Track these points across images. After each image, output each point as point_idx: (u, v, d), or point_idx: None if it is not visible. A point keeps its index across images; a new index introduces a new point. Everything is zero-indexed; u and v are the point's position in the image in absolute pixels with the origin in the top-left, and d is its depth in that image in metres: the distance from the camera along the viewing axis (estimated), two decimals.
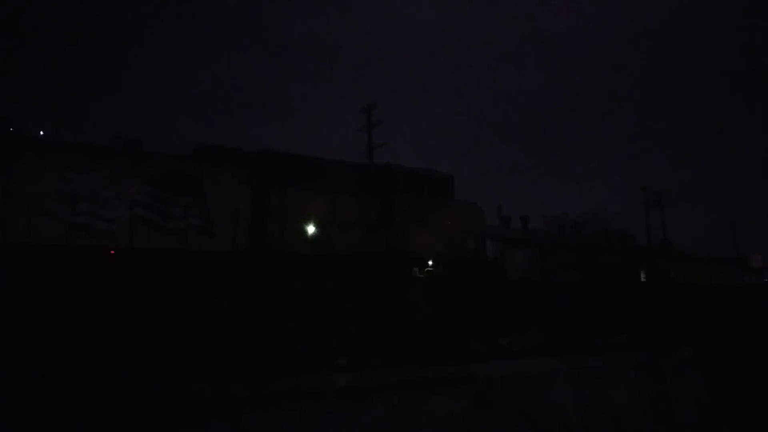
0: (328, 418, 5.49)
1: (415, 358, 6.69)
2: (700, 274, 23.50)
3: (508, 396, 6.73)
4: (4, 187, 12.76)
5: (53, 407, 4.14)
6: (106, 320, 5.60)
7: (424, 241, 17.16)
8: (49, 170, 13.62)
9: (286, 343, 6.23)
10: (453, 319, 7.93)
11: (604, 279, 18.45)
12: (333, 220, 16.55)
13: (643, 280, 23.12)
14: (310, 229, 16.42)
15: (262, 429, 5.08)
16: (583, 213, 22.49)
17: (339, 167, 17.55)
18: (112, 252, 14.00)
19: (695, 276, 22.57)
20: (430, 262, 17.20)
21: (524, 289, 11.51)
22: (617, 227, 23.28)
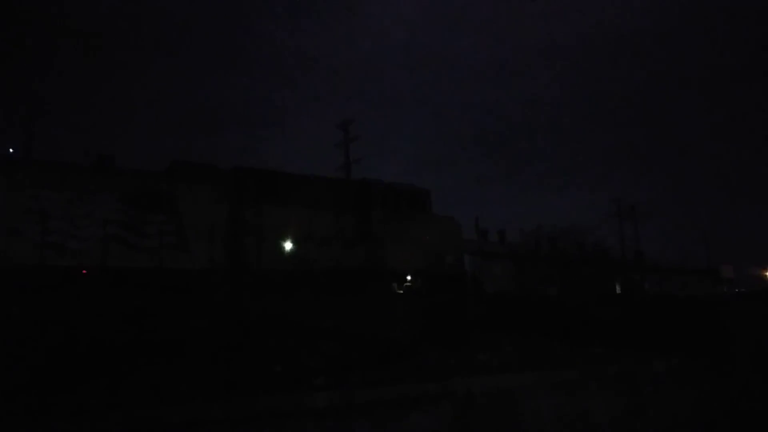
0: None
1: (394, 375, 6.65)
2: (673, 285, 23.87)
3: (487, 411, 6.72)
4: None
5: None
6: (77, 342, 5.46)
7: (402, 256, 17.15)
8: (18, 189, 13.34)
9: (264, 363, 6.15)
10: (432, 334, 7.92)
11: (580, 292, 18.62)
12: (310, 236, 16.46)
13: (618, 291, 23.43)
14: (287, 245, 16.31)
15: None
16: (559, 226, 22.77)
17: (316, 183, 17.51)
18: (84, 271, 13.72)
19: (669, 287, 22.92)
20: (409, 278, 17.18)
21: (502, 304, 11.56)
22: (592, 240, 23.64)
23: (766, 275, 30.63)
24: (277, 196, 16.47)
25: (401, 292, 17.11)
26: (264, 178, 16.55)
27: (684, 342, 9.25)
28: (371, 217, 17.22)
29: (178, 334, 6.14)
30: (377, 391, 6.06)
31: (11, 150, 14.06)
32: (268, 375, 5.81)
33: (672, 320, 10.82)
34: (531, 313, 10.14)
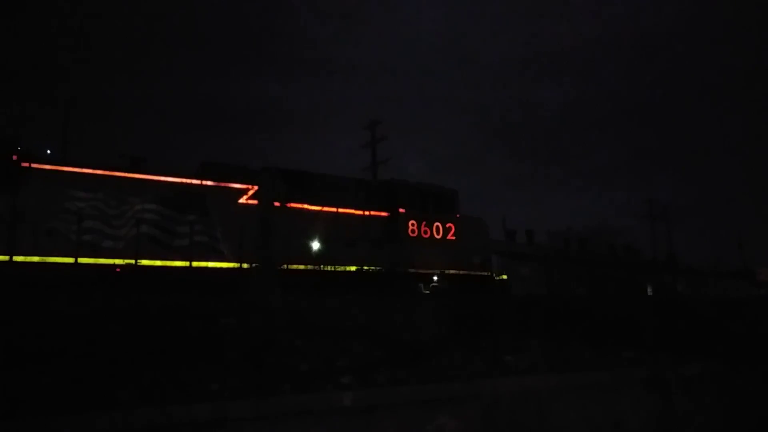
0: None
1: (421, 375, 6.65)
2: (707, 288, 23.34)
3: (514, 413, 6.67)
4: (10, 207, 12.89)
5: (60, 426, 4.14)
6: (109, 339, 5.60)
7: (429, 257, 17.18)
8: (55, 189, 13.76)
9: (291, 362, 6.20)
10: (458, 335, 7.89)
11: (610, 293, 18.33)
12: (338, 237, 16.61)
13: (649, 293, 22.99)
14: (315, 245, 16.46)
15: None
16: (588, 227, 22.42)
17: (343, 183, 17.66)
18: (118, 270, 14.08)
19: (702, 289, 22.42)
20: (435, 278, 17.18)
21: (530, 305, 11.45)
22: (623, 241, 23.20)
23: None
24: (306, 196, 16.66)
25: (428, 292, 17.13)
26: (292, 178, 16.76)
27: (718, 346, 9.04)
28: (398, 217, 17.28)
29: (207, 333, 6.25)
30: (404, 390, 6.07)
31: (48, 151, 14.49)
32: (295, 374, 5.87)
33: (707, 323, 10.59)
34: (560, 315, 10.03)
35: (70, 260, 13.31)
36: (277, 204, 15.89)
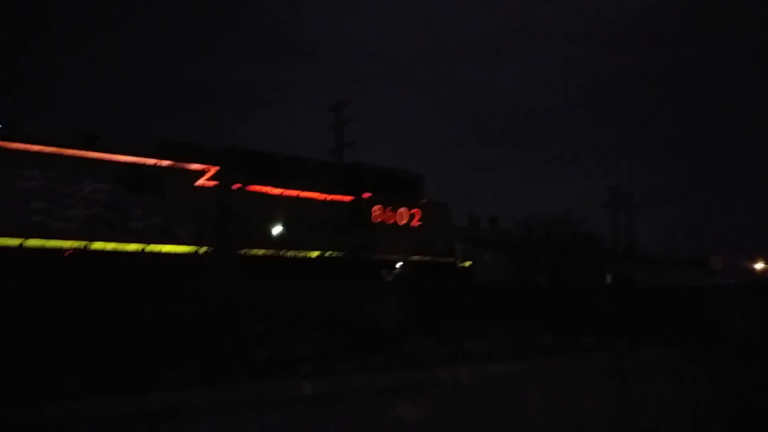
0: (293, 427, 5.32)
1: (383, 363, 6.55)
2: (664, 276, 24.01)
3: (476, 400, 6.66)
4: None
5: (10, 415, 3.89)
6: (58, 327, 5.30)
7: (393, 243, 17.07)
8: (3, 167, 13.06)
9: (250, 350, 6.02)
10: (421, 323, 7.82)
11: (571, 281, 18.65)
12: (300, 220, 16.32)
13: (608, 281, 23.52)
14: (276, 229, 16.15)
15: None
16: (552, 215, 22.74)
17: (307, 166, 17.33)
18: (68, 254, 13.51)
19: (659, 278, 23.05)
20: (399, 265, 17.11)
21: (492, 292, 11.49)
22: (585, 230, 23.63)
23: (754, 267, 30.90)
24: (268, 178, 16.28)
25: (391, 279, 17.04)
26: (254, 160, 16.34)
27: (674, 333, 9.24)
28: (363, 202, 17.09)
29: (160, 320, 5.99)
30: (365, 379, 5.97)
31: None
32: (254, 362, 5.69)
33: (663, 311, 10.82)
34: (521, 302, 10.08)
35: (16, 242, 12.68)
36: (236, 186, 15.49)
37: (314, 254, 16.18)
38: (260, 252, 15.37)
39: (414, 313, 8.26)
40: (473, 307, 9.27)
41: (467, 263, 19.42)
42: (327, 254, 16.28)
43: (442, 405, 6.48)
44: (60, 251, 13.12)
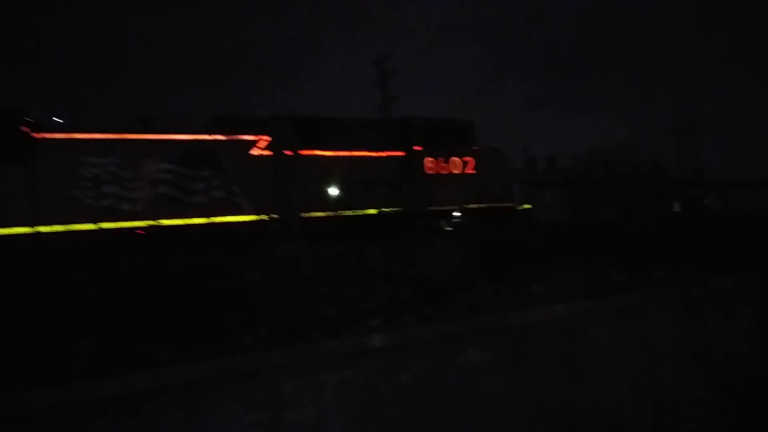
0: (367, 379, 5.51)
1: (450, 312, 6.64)
2: (737, 200, 22.83)
3: (546, 342, 6.67)
4: (28, 180, 12.95)
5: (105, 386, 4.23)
6: (138, 301, 5.64)
7: (449, 193, 16.97)
8: (69, 158, 13.74)
9: (319, 310, 6.22)
10: (484, 270, 7.83)
11: (636, 213, 18.08)
12: (354, 181, 16.44)
13: (677, 210, 22.65)
14: (332, 191, 16.35)
15: (300, 394, 5.13)
16: (612, 147, 21.87)
17: (356, 125, 17.32)
18: (140, 231, 14.21)
19: (735, 202, 21.95)
20: (457, 214, 17.05)
21: (555, 233, 11.32)
22: (648, 158, 22.66)
23: None
24: (318, 141, 16.41)
25: (450, 229, 17.03)
26: (304, 125, 16.47)
27: (750, 260, 8.88)
28: (414, 155, 16.99)
29: (233, 288, 6.26)
30: (432, 328, 6.08)
31: (57, 120, 14.38)
32: (325, 320, 5.88)
33: (737, 238, 10.38)
34: (585, 240, 9.89)
35: (93, 226, 13.43)
36: (288, 153, 15.70)
37: (371, 212, 16.33)
38: (318, 214, 15.65)
39: (476, 261, 8.28)
40: (538, 249, 9.18)
41: (527, 206, 19.11)
42: (384, 211, 16.40)
43: (511, 349, 6.53)
44: (132, 230, 13.83)
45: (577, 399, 6.39)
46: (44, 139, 13.59)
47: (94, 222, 13.34)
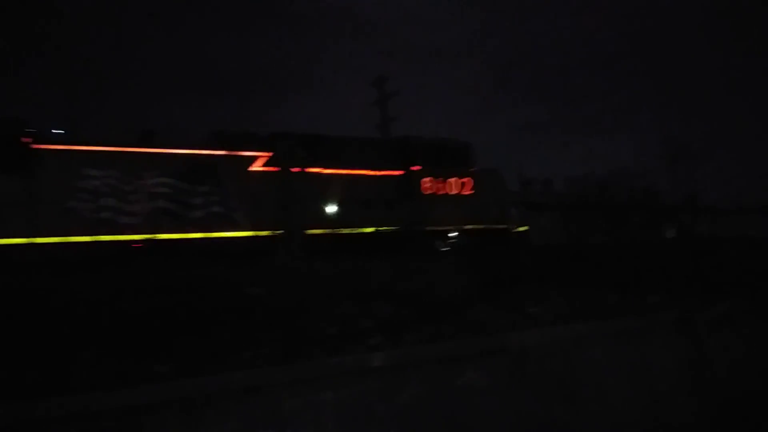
0: (366, 398, 5.52)
1: (448, 332, 6.67)
2: (730, 226, 23.03)
3: (542, 364, 6.70)
4: (27, 190, 12.98)
5: (105, 400, 4.22)
6: (139, 315, 5.66)
7: (446, 213, 17.10)
8: (68, 169, 13.80)
9: (319, 327, 6.24)
10: (480, 290, 7.88)
11: (630, 238, 18.20)
12: (352, 199, 16.56)
13: (670, 236, 22.80)
14: (330, 209, 16.44)
15: (302, 411, 5.14)
16: (607, 172, 22.12)
17: (356, 144, 17.49)
18: (137, 245, 14.22)
19: (724, 229, 22.15)
20: (453, 234, 17.14)
21: (550, 255, 11.41)
22: (642, 184, 22.90)
23: None
24: (319, 159, 16.54)
25: (446, 249, 17.11)
26: (305, 142, 16.62)
27: (743, 285, 8.97)
28: (412, 174, 17.14)
29: (231, 303, 6.29)
30: (432, 348, 6.10)
31: (56, 131, 14.48)
32: (326, 338, 5.91)
33: (730, 263, 10.50)
34: (580, 263, 9.98)
35: (90, 238, 13.45)
36: (296, 170, 15.84)
37: (369, 230, 16.41)
38: (316, 232, 15.72)
39: (475, 282, 8.34)
40: (535, 271, 9.24)
41: (523, 228, 19.25)
42: (381, 230, 16.48)
43: (509, 370, 6.56)
44: (129, 244, 13.84)
45: (575, 422, 6.43)
46: (44, 149, 13.66)
47: (92, 234, 13.35)
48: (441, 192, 17.27)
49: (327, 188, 16.40)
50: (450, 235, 17.05)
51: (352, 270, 8.30)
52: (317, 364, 5.38)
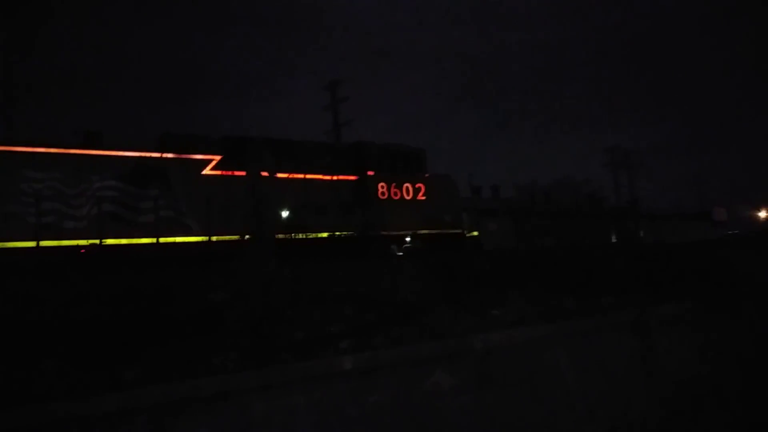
0: (336, 401, 5.50)
1: (414, 335, 6.73)
2: (668, 231, 24.22)
3: (507, 364, 6.85)
4: None
5: (68, 410, 4.04)
6: (102, 322, 5.45)
7: (400, 218, 17.21)
8: (8, 171, 13.12)
9: (286, 331, 6.18)
10: (443, 294, 7.99)
11: (578, 243, 18.85)
12: (307, 203, 16.42)
13: (613, 240, 23.75)
14: (284, 214, 16.26)
15: (273, 416, 5.07)
16: (554, 179, 22.89)
17: (310, 148, 17.38)
18: (83, 251, 13.63)
19: (664, 234, 23.29)
20: (408, 239, 17.27)
21: (504, 259, 11.67)
22: (587, 191, 23.77)
23: (758, 216, 31.14)
24: (270, 163, 16.32)
25: (401, 254, 17.21)
26: (255, 146, 16.37)
27: (690, 287, 9.44)
28: (367, 180, 17.18)
29: (193, 309, 6.14)
30: (400, 351, 6.15)
31: None
32: (293, 342, 5.86)
33: (676, 266, 11.01)
34: (534, 267, 10.26)
35: (32, 244, 12.80)
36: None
37: (324, 235, 16.31)
38: (270, 236, 15.48)
39: (431, 285, 8.43)
40: (488, 275, 9.43)
41: (475, 233, 19.59)
42: (336, 234, 16.42)
43: (474, 371, 6.67)
44: (74, 249, 13.24)
45: (538, 418, 6.59)
46: None
47: (34, 239, 12.71)
48: (396, 197, 17.38)
49: (279, 192, 16.19)
50: (405, 239, 17.18)
51: (310, 274, 8.26)
52: (288, 368, 5.33)
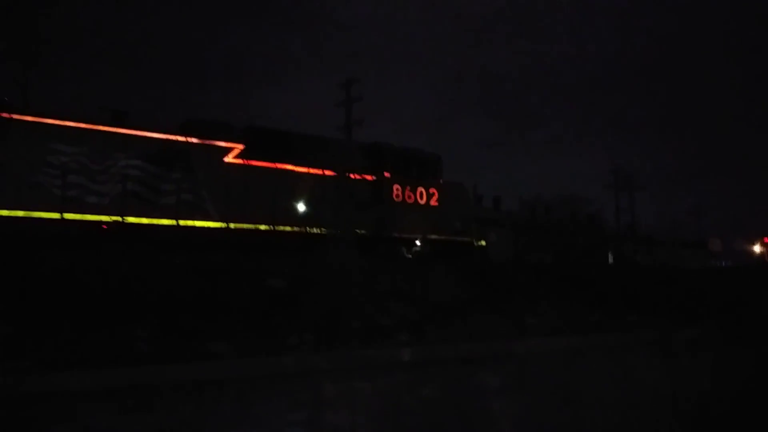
0: (395, 388, 5.77)
1: (459, 334, 7.03)
2: (664, 257, 24.63)
3: (544, 370, 7.18)
4: None
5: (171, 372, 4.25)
6: (194, 297, 5.66)
7: (413, 221, 17.38)
8: (37, 142, 13.13)
9: (341, 320, 6.45)
10: (480, 298, 8.32)
11: (574, 260, 19.17)
12: (322, 198, 16.54)
13: (610, 262, 24.20)
14: (300, 207, 16.40)
15: (340, 398, 5.33)
16: (559, 195, 23.24)
17: (328, 144, 17.50)
18: (104, 227, 13.69)
19: (661, 259, 23.72)
20: (418, 243, 17.47)
21: (535, 271, 12.01)
22: (588, 210, 24.18)
23: (753, 250, 31.95)
24: (290, 156, 16.44)
25: (410, 257, 17.42)
26: (277, 138, 16.49)
27: (702, 311, 9.84)
28: (384, 181, 17.36)
29: (256, 295, 6.39)
30: (455, 348, 6.44)
31: (27, 104, 13.74)
32: (349, 330, 6.13)
33: (688, 290, 11.41)
34: (561, 280, 10.61)
35: (56, 215, 12.82)
36: (261, 164, 15.73)
37: (336, 232, 16.44)
38: (286, 228, 15.59)
39: (471, 290, 8.75)
40: (522, 284, 9.76)
41: (483, 242, 19.86)
42: (348, 232, 16.55)
43: (515, 373, 6.99)
44: (96, 225, 13.28)
45: (572, 423, 6.90)
46: (14, 120, 12.94)
47: (58, 211, 12.74)
48: (409, 200, 17.56)
49: (296, 185, 16.30)
50: (416, 243, 17.38)
51: (359, 269, 8.51)
52: (355, 354, 5.60)
